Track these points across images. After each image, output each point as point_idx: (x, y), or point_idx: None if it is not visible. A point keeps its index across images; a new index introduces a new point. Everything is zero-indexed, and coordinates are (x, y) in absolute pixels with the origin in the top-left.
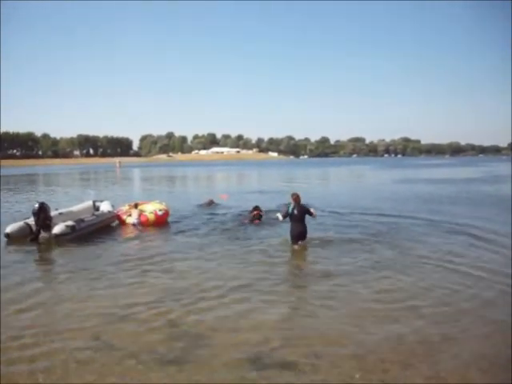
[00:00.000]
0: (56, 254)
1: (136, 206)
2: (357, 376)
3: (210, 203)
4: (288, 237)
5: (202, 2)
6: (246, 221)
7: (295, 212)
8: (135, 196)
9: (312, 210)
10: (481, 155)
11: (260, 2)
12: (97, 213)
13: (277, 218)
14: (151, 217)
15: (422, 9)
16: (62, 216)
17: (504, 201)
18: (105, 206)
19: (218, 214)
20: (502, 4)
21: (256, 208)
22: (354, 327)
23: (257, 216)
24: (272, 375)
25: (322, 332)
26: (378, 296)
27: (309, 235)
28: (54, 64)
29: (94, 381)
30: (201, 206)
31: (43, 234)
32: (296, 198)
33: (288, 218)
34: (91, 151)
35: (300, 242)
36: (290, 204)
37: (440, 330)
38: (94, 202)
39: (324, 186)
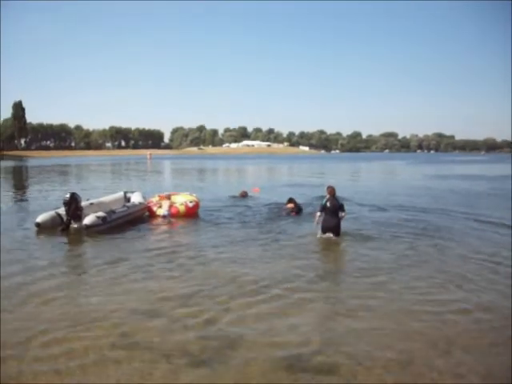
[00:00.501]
0: (86, 245)
1: (169, 197)
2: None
3: (244, 195)
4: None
5: None
6: (284, 213)
7: (328, 205)
8: (165, 187)
9: (343, 214)
10: None
11: None
12: (128, 204)
13: (316, 217)
14: (182, 208)
15: None
16: (93, 207)
17: None
18: (136, 198)
19: (250, 207)
20: None
21: (290, 200)
22: (396, 329)
23: (295, 209)
24: (312, 380)
25: (363, 334)
26: (422, 298)
27: (344, 230)
28: (87, 56)
29: (120, 380)
30: (235, 197)
31: (74, 225)
32: (331, 190)
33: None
34: (123, 143)
35: (332, 236)
36: (324, 197)
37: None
38: (125, 193)
39: (358, 180)
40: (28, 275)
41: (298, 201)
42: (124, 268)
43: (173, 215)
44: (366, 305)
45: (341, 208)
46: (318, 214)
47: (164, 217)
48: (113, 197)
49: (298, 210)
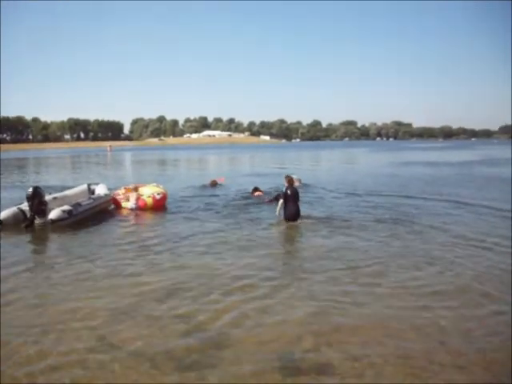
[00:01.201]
0: (53, 241)
1: (136, 189)
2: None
3: (214, 184)
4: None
5: None
6: (267, 200)
7: (288, 192)
8: (127, 179)
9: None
10: (473, 139)
11: None
12: (93, 196)
13: (278, 205)
14: (149, 201)
15: None
16: (57, 200)
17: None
18: (100, 190)
19: (215, 196)
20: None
21: (256, 189)
22: (389, 323)
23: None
24: (308, 380)
25: (355, 329)
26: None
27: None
28: (44, 47)
29: None
30: (204, 186)
31: (38, 220)
32: (289, 180)
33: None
34: (82, 135)
35: (296, 221)
36: (283, 186)
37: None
38: (88, 185)
39: (321, 168)
40: None
41: (262, 189)
42: (93, 265)
43: (140, 208)
44: (356, 302)
45: (297, 196)
46: (281, 201)
47: (132, 209)
48: (76, 190)
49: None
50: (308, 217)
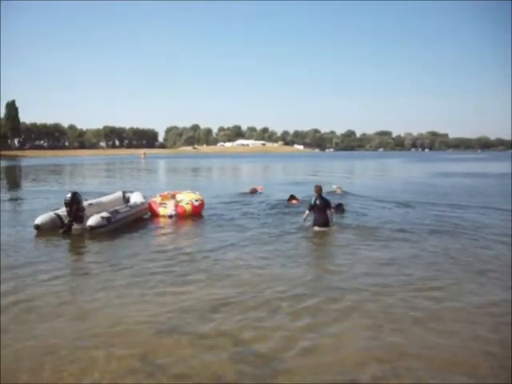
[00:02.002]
0: (92, 248)
1: (173, 196)
2: None
3: (254, 191)
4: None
5: None
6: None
7: (318, 203)
8: (161, 186)
9: (329, 212)
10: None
11: None
12: (130, 204)
13: (304, 215)
14: (188, 208)
15: None
16: (93, 207)
17: None
18: (136, 197)
19: (253, 204)
20: None
21: (292, 196)
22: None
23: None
24: None
25: (420, 352)
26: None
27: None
28: (81, 56)
29: None
30: (244, 194)
31: (76, 226)
32: (318, 189)
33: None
34: (117, 142)
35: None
36: (312, 196)
37: None
38: (123, 192)
39: (358, 178)
40: (30, 281)
41: (299, 197)
42: (135, 275)
43: (179, 215)
44: (417, 318)
45: (328, 205)
46: (307, 212)
47: (170, 216)
48: (112, 197)
49: (339, 209)
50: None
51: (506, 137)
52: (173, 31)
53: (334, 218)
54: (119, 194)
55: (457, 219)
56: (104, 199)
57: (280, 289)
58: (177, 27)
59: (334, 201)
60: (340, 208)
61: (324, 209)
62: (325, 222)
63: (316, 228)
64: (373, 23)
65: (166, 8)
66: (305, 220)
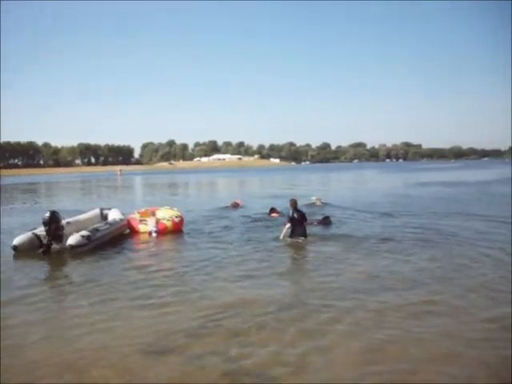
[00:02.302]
0: (73, 268)
1: (153, 213)
2: None
3: (235, 205)
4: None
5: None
6: (315, 223)
7: (295, 216)
8: (138, 203)
9: (305, 223)
10: (485, 158)
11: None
12: (109, 221)
13: (284, 228)
14: (169, 224)
15: (423, 8)
16: (70, 225)
17: None
18: (114, 214)
19: (232, 218)
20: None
21: (273, 209)
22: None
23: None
24: None
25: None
26: None
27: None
28: (53, 72)
29: None
30: (225, 208)
31: (55, 246)
32: (293, 203)
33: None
34: (92, 160)
35: (300, 239)
36: (288, 210)
37: None
38: (101, 209)
39: (335, 190)
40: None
41: (279, 210)
42: (120, 295)
43: (160, 231)
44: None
45: (304, 217)
46: (288, 225)
47: (150, 233)
48: (89, 214)
49: (326, 221)
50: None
51: (478, 146)
52: (145, 45)
53: (320, 229)
54: (97, 211)
55: (440, 228)
56: (81, 217)
57: (264, 308)
58: (148, 40)
59: (314, 212)
60: (327, 220)
61: (301, 220)
62: (303, 233)
63: (294, 239)
64: (349, 29)
65: (133, 22)
66: (284, 234)
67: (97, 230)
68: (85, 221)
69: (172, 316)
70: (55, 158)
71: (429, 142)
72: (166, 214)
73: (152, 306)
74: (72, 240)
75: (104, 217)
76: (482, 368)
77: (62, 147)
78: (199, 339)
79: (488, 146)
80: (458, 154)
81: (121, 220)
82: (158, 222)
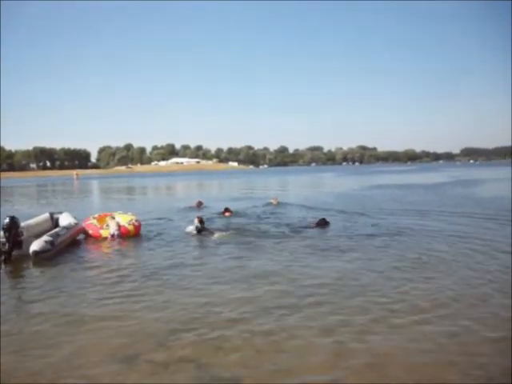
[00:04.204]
0: (37, 276)
1: (113, 217)
2: None
3: (199, 205)
4: None
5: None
6: (313, 225)
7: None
8: (95, 208)
9: None
10: (440, 161)
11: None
12: (65, 225)
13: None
14: (131, 228)
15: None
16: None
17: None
18: (66, 218)
19: (189, 219)
20: None
21: (226, 209)
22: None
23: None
24: None
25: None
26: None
27: None
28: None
29: None
30: (190, 208)
31: (14, 252)
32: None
33: None
34: (48, 164)
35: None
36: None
37: None
38: (51, 214)
39: (292, 191)
40: None
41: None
42: (89, 303)
43: (122, 235)
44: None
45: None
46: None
47: (112, 236)
48: (38, 219)
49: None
50: None
51: (430, 149)
52: (103, 47)
53: (316, 231)
54: (46, 215)
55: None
56: (31, 222)
57: (230, 310)
58: (107, 43)
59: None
60: (324, 222)
61: None
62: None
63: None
64: (296, 41)
65: (99, 26)
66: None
67: (58, 234)
68: (34, 225)
69: (141, 323)
70: (9, 162)
71: (383, 146)
72: (126, 218)
73: (114, 314)
74: (36, 246)
75: (55, 221)
76: None
77: (16, 151)
78: (166, 345)
79: (440, 149)
80: (411, 157)
81: (76, 224)
82: (119, 225)
